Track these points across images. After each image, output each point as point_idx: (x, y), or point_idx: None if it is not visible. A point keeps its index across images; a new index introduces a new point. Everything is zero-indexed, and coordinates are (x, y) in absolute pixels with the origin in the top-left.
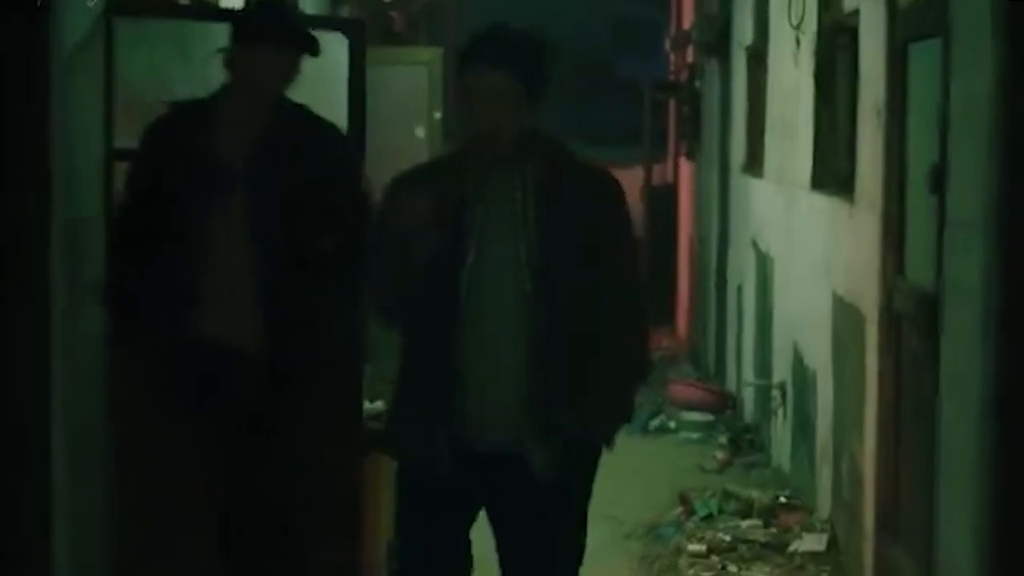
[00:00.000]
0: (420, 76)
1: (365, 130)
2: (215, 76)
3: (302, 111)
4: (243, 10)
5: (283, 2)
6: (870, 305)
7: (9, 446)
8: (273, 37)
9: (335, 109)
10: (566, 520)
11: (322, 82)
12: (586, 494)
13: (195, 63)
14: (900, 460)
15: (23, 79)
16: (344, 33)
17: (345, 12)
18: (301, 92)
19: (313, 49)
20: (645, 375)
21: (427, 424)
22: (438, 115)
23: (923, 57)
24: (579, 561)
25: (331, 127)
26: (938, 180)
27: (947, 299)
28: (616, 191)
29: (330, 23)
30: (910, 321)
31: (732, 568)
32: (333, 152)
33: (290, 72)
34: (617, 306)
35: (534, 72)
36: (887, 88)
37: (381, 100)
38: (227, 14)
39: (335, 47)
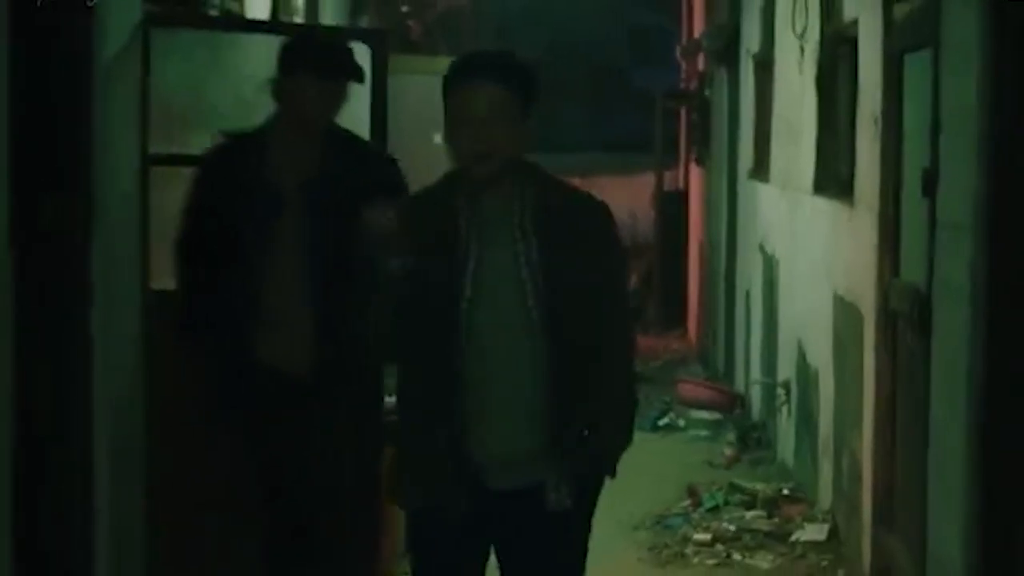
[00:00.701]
0: (437, 84)
1: (387, 137)
2: (244, 85)
3: (351, 137)
4: (290, 42)
5: (329, 32)
6: (868, 304)
7: (54, 441)
8: (322, 68)
9: (356, 116)
10: (575, 549)
11: None
12: (590, 523)
13: (225, 71)
14: (896, 454)
15: (69, 87)
16: (367, 43)
17: (364, 22)
18: None
19: (359, 78)
20: (636, 399)
21: (439, 471)
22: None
23: (917, 66)
24: None
25: (380, 153)
26: (929, 184)
27: (937, 298)
28: (608, 218)
29: (354, 34)
30: (905, 320)
31: (736, 556)
32: (384, 177)
33: (338, 101)
34: (612, 336)
35: (527, 89)
36: (884, 96)
37: (399, 107)
38: (256, 25)
39: (357, 56)
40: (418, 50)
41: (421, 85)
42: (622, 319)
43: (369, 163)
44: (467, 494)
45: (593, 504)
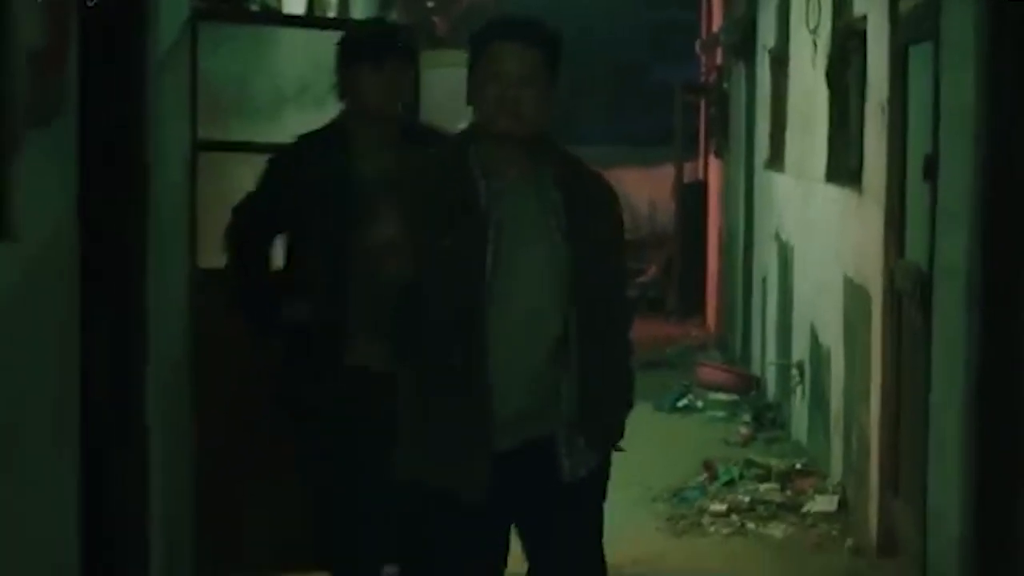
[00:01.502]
0: (462, 77)
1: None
2: (283, 75)
3: (421, 125)
4: (347, 35)
5: (383, 19)
6: (875, 286)
7: (113, 417)
8: (374, 56)
9: None
10: (593, 515)
11: None
12: (605, 491)
13: (266, 62)
14: (901, 427)
15: (124, 79)
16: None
17: (392, 17)
18: None
19: (411, 59)
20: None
21: (463, 445)
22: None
23: (921, 59)
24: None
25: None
26: (930, 170)
27: (937, 278)
28: (615, 197)
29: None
30: (909, 299)
31: (750, 526)
32: None
33: (399, 86)
34: (619, 308)
35: (557, 59)
36: (890, 87)
37: (426, 100)
38: (293, 19)
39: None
40: (443, 45)
41: (447, 79)
42: (624, 292)
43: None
44: (485, 476)
45: (607, 471)
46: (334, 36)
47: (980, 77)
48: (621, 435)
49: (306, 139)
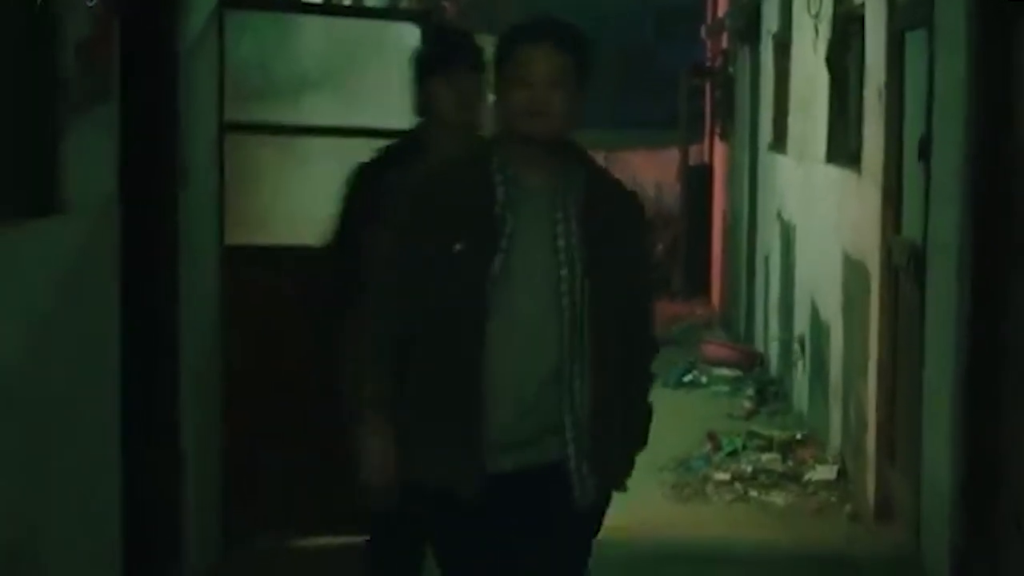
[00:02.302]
0: None
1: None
2: (305, 60)
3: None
4: (424, 49)
5: (456, 29)
6: (873, 261)
7: (150, 384)
8: (461, 66)
9: (401, 94)
10: (585, 546)
11: (388, 69)
12: (600, 521)
13: (289, 48)
14: (897, 397)
15: (158, 66)
16: (416, 24)
17: (403, 3)
18: (371, 77)
19: (481, 67)
20: (649, 408)
21: (450, 450)
22: (491, 97)
23: (917, 44)
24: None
25: None
26: (924, 150)
27: (931, 253)
28: (644, 218)
29: (403, 15)
30: (904, 273)
31: (752, 493)
32: None
33: (483, 92)
34: (637, 337)
35: (587, 63)
36: (887, 71)
37: None
38: (315, 7)
39: (404, 36)
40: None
41: None
42: (647, 321)
43: None
44: (479, 475)
45: (604, 506)
46: (352, 23)
47: (970, 62)
48: (628, 472)
49: (387, 153)
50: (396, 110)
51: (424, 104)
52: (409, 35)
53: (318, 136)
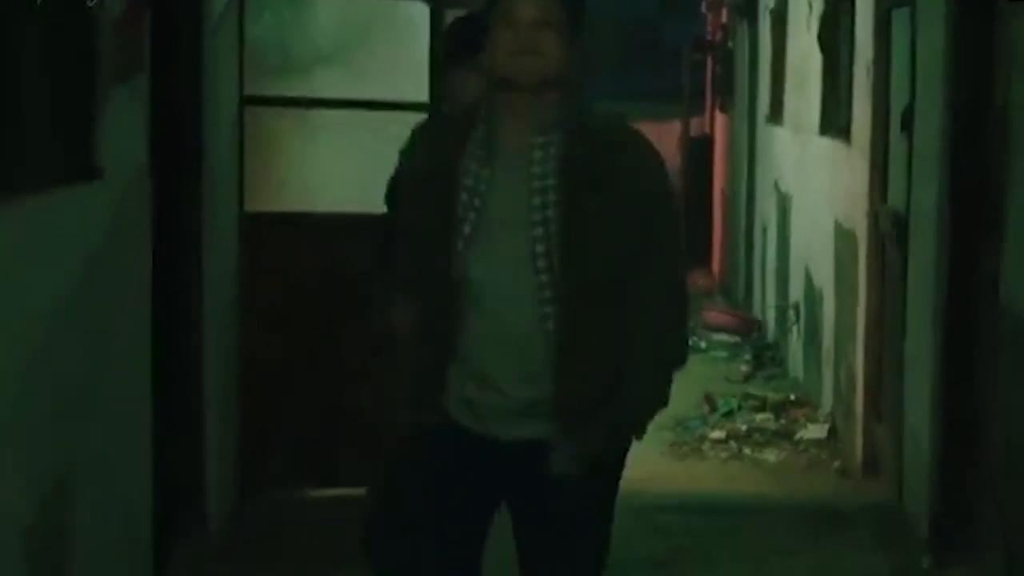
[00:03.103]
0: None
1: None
2: (321, 37)
3: None
4: (450, 34)
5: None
6: (862, 229)
7: (179, 355)
8: (463, 56)
9: (416, 60)
10: (590, 516)
11: (396, 46)
12: (613, 488)
13: (306, 25)
14: (884, 358)
15: (184, 42)
16: (424, 2)
17: None
18: (380, 54)
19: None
20: (683, 358)
21: (436, 395)
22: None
23: (902, 21)
24: (604, 555)
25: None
26: (907, 122)
27: (913, 220)
28: (652, 163)
29: None
30: (889, 241)
31: (747, 451)
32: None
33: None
34: (655, 288)
35: (577, 10)
36: (875, 47)
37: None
38: None
39: (413, 15)
40: (459, 4)
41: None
42: (669, 274)
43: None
44: (439, 409)
45: (614, 471)
46: (363, 2)
47: (949, 38)
48: (640, 434)
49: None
50: (403, 84)
51: (450, 92)
52: (418, 14)
53: (330, 108)
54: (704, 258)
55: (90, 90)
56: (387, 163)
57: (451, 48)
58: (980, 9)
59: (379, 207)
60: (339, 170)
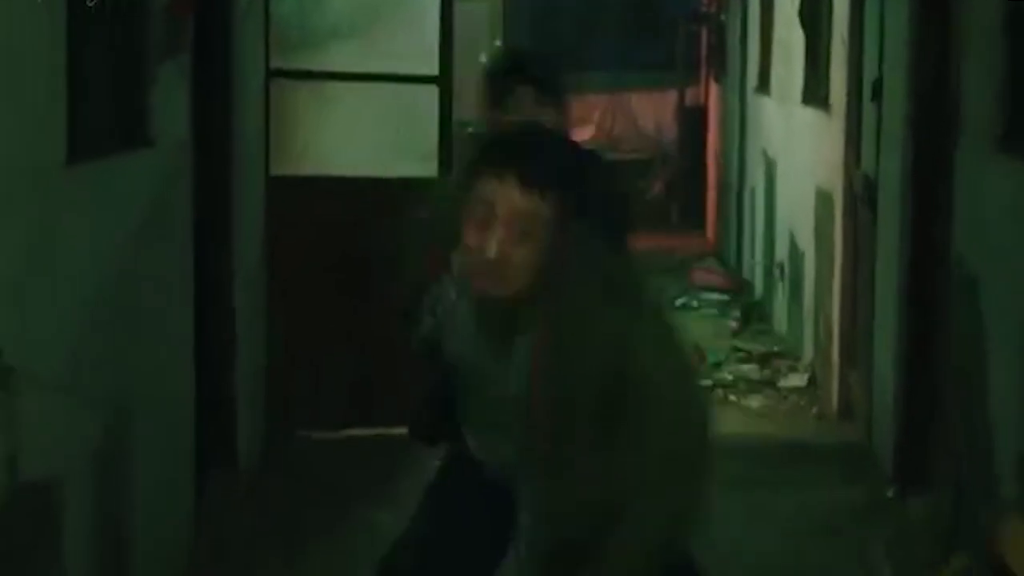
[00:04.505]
0: (483, 9)
1: (452, 57)
2: (341, 15)
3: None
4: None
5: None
6: (838, 192)
7: (214, 304)
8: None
9: (426, 44)
10: None
11: (407, 25)
12: None
13: (325, 5)
14: (857, 311)
15: (219, 22)
16: None
17: None
18: (391, 31)
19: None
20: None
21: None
22: (498, 43)
23: None
24: None
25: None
26: (877, 93)
27: (881, 184)
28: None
29: None
30: (861, 202)
31: (732, 398)
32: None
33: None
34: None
35: (571, 194)
36: (849, 22)
37: None
38: None
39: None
40: None
41: (469, 11)
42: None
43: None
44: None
45: None
46: None
47: (913, 13)
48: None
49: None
50: (414, 59)
51: (515, 106)
52: None
53: (346, 81)
54: (699, 222)
55: (145, 67)
56: (396, 131)
57: (532, 71)
58: None
59: (390, 171)
60: (354, 137)
